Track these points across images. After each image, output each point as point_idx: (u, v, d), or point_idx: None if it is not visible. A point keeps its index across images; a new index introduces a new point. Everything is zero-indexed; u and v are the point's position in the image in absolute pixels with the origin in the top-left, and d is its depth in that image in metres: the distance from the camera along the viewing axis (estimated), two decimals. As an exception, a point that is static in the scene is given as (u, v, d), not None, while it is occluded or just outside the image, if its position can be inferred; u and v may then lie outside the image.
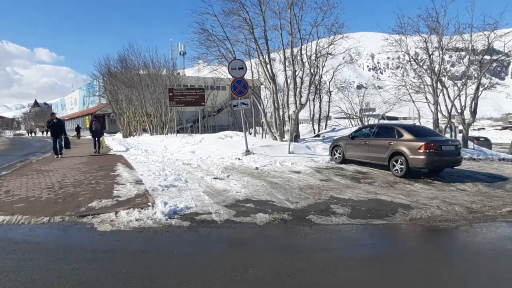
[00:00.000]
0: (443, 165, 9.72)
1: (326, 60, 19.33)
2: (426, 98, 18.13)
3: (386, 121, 24.69)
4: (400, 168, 9.62)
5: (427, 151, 9.10)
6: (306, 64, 16.90)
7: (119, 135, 33.85)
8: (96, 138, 16.02)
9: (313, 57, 16.99)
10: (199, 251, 4.22)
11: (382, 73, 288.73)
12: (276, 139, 15.80)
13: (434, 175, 9.84)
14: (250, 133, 20.80)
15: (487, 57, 17.80)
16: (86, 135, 34.09)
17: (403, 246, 4.76)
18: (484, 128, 77.49)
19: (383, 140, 10.36)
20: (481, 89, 17.50)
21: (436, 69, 17.58)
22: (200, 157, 12.48)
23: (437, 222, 5.58)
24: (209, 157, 12.42)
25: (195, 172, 9.71)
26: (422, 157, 9.15)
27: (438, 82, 17.51)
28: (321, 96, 21.67)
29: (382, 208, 6.33)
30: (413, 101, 19.12)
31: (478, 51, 17.90)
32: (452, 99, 17.56)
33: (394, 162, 9.84)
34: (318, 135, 17.70)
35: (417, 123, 14.04)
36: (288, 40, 16.19)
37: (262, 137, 18.24)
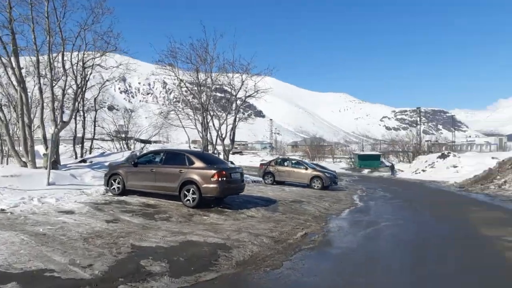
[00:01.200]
0: (231, 192, 9.90)
1: (91, 73, 16.60)
2: (196, 125, 19.03)
3: (148, 145, 24.14)
4: (193, 198, 9.03)
5: (219, 179, 8.97)
6: (70, 73, 13.74)
7: None
8: None
9: (79, 66, 14.07)
10: None
11: (133, 97, 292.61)
12: (26, 166, 11.65)
13: (221, 203, 9.84)
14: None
15: (241, 94, 20.83)
16: None
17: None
18: (220, 153, 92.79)
19: (173, 168, 9.49)
20: (237, 120, 20.21)
21: (204, 100, 18.79)
22: None
23: (263, 262, 5.21)
24: None
25: None
26: (215, 185, 8.92)
27: (205, 112, 18.79)
28: (85, 114, 18.37)
29: (201, 253, 5.38)
30: (183, 127, 19.59)
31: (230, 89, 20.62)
32: (216, 128, 19.25)
33: (185, 192, 9.13)
34: (84, 160, 14.57)
35: (193, 147, 14.18)
36: (45, 39, 12.66)
37: (2, 163, 13.19)
